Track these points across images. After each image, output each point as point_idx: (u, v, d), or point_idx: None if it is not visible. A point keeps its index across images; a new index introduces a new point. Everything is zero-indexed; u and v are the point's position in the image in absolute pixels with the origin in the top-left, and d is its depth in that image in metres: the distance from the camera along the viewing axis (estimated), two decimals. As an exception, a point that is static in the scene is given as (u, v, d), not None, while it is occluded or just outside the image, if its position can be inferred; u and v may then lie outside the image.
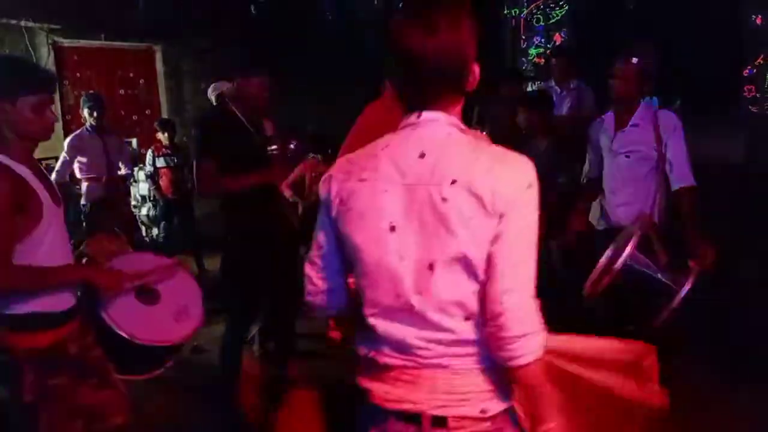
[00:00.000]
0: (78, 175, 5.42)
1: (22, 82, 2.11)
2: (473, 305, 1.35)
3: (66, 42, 7.19)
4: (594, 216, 3.55)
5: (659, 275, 2.74)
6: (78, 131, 5.52)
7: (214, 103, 5.14)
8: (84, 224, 4.55)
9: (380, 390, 1.44)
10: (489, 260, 1.32)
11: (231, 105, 3.36)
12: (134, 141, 7.41)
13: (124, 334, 2.32)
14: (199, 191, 3.47)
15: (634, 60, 3.18)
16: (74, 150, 5.34)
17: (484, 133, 1.69)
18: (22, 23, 6.67)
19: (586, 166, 3.61)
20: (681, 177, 3.14)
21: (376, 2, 8.04)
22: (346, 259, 1.48)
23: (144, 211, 6.48)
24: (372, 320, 1.42)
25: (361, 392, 1.48)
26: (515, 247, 1.32)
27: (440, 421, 1.37)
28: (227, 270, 3.47)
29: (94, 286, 2.23)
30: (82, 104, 5.48)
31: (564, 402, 1.47)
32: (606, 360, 1.69)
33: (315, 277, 1.53)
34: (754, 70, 6.86)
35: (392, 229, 1.35)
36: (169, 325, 2.50)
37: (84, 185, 5.41)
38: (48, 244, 2.14)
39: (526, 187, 1.32)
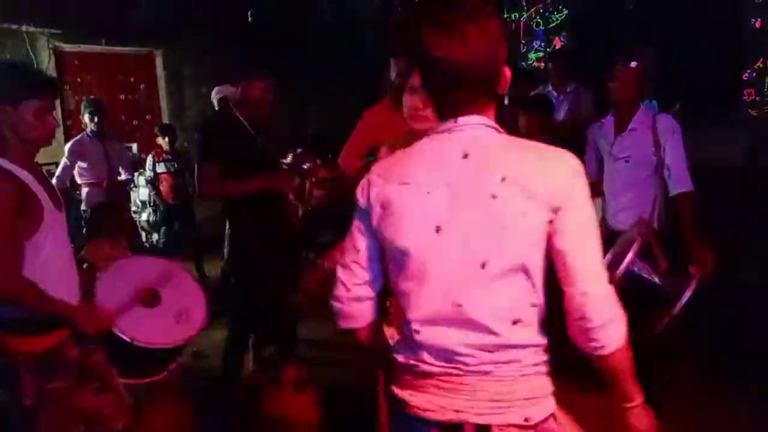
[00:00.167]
0: (78, 180, 5.44)
1: (23, 87, 2.12)
2: (523, 307, 1.35)
3: (67, 47, 7.20)
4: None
5: (660, 281, 2.73)
6: (79, 136, 5.54)
7: (217, 107, 5.14)
8: (84, 229, 4.56)
9: (420, 400, 1.40)
10: (559, 257, 1.33)
11: (234, 109, 3.37)
12: (135, 146, 7.41)
13: (125, 337, 2.32)
14: (200, 194, 3.48)
15: (634, 63, 3.17)
16: (75, 155, 5.36)
17: None
18: (23, 28, 6.69)
19: (586, 170, 3.61)
20: (679, 182, 3.13)
21: (376, 2, 8.03)
22: (383, 268, 1.48)
23: (144, 216, 6.48)
24: (415, 326, 1.40)
25: (397, 402, 1.45)
26: (582, 239, 1.33)
27: (484, 429, 1.36)
28: (229, 273, 3.48)
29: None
30: (83, 109, 5.51)
31: None
32: None
33: (348, 283, 1.51)
34: (754, 74, 6.86)
35: (438, 230, 1.33)
36: (171, 327, 2.50)
37: (84, 190, 5.42)
38: (49, 249, 2.14)
39: (577, 178, 1.34)
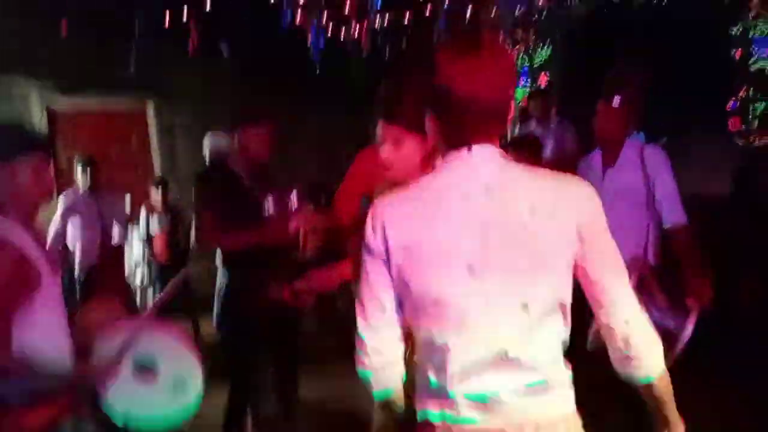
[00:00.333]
0: (71, 239, 5.35)
1: (17, 145, 2.10)
2: (558, 345, 1.36)
3: (58, 103, 7.24)
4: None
5: (659, 317, 2.70)
6: (71, 192, 5.49)
7: (207, 159, 5.12)
8: (78, 291, 4.48)
9: None
10: (594, 287, 1.35)
11: (229, 160, 3.34)
12: (127, 200, 7.38)
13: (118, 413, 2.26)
14: (199, 244, 3.39)
15: (617, 99, 3.17)
16: (67, 213, 5.30)
17: None
18: (15, 85, 6.74)
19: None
20: (673, 214, 3.13)
21: (366, 51, 8.15)
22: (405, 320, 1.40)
23: (138, 274, 6.40)
24: (453, 378, 1.33)
25: None
26: (613, 266, 1.36)
27: None
28: (227, 331, 3.40)
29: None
30: (75, 165, 5.48)
31: None
32: None
33: (381, 347, 1.41)
34: (738, 103, 6.97)
35: (473, 272, 1.29)
36: (169, 399, 2.44)
37: (78, 251, 5.33)
38: (42, 315, 2.09)
39: (596, 201, 1.37)
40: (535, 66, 8.51)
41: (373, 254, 1.38)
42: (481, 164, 1.35)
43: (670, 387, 1.43)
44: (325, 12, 7.29)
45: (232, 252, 3.30)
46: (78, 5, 6.49)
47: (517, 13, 8.52)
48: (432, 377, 1.37)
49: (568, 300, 1.35)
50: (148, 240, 6.15)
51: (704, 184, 4.30)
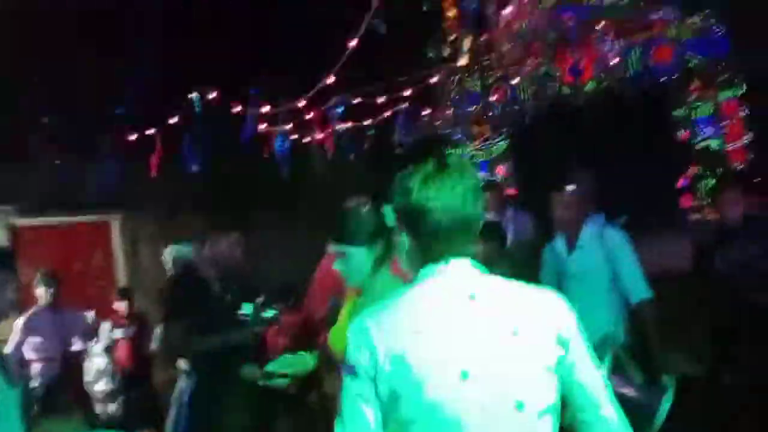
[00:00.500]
0: (31, 356, 5.19)
1: None
2: None
3: (21, 221, 7.20)
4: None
5: (636, 395, 2.67)
6: (31, 310, 5.37)
7: (169, 268, 5.07)
8: (35, 407, 4.31)
9: None
10: (579, 390, 1.39)
11: (199, 268, 3.36)
12: (91, 314, 7.21)
13: None
14: (167, 348, 3.36)
15: (570, 187, 3.26)
16: (27, 331, 5.18)
17: None
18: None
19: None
20: (637, 290, 3.16)
21: (329, 157, 8.36)
22: None
23: (100, 386, 6.16)
24: None
25: None
26: (594, 367, 1.43)
27: None
28: None
29: None
30: (37, 282, 5.39)
31: None
32: None
33: None
34: (689, 180, 7.25)
35: (465, 375, 1.30)
36: None
37: (36, 366, 5.16)
38: None
39: (572, 312, 1.43)
40: (493, 158, 8.79)
41: (358, 369, 1.36)
42: (462, 275, 1.40)
43: None
44: (289, 123, 7.51)
45: (199, 358, 3.23)
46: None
47: (472, 110, 8.89)
48: None
49: (558, 401, 1.38)
50: (110, 350, 5.99)
51: (665, 260, 4.39)
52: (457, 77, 8.88)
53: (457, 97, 9.00)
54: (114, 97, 6.56)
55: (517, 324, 1.34)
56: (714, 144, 7.21)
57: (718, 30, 7.54)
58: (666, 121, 7.79)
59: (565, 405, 1.41)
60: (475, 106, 9.06)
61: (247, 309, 3.31)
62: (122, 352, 6.01)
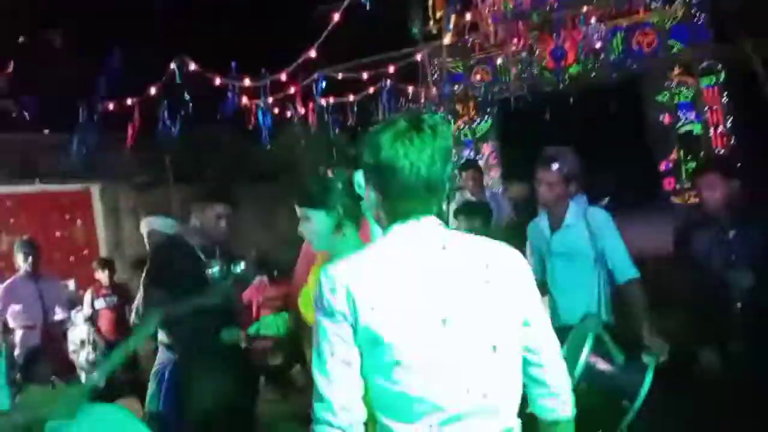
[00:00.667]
0: (11, 324, 5.17)
1: None
2: (519, 387, 1.46)
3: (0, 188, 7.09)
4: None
5: (617, 376, 2.71)
6: (11, 279, 5.34)
7: (146, 241, 5.00)
8: (18, 375, 4.29)
9: None
10: (536, 339, 1.49)
11: (187, 236, 3.33)
12: (72, 283, 7.16)
13: None
14: (146, 317, 3.31)
15: (555, 165, 3.26)
16: (7, 298, 5.14)
17: None
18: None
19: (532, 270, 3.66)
20: (624, 270, 3.18)
21: (311, 131, 8.33)
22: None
23: (83, 355, 6.14)
24: (432, 429, 1.34)
25: None
26: (546, 319, 1.54)
27: None
28: (170, 413, 3.26)
29: None
30: (16, 250, 5.34)
31: None
32: None
33: (350, 404, 1.37)
34: (671, 164, 7.38)
35: (444, 321, 1.36)
36: None
37: (18, 334, 5.14)
38: None
39: (528, 268, 1.53)
40: (477, 138, 8.84)
41: (334, 315, 1.37)
42: (432, 230, 1.45)
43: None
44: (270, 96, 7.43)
45: (180, 329, 3.21)
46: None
47: (457, 89, 8.90)
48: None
49: (521, 348, 1.48)
50: (93, 320, 5.96)
51: (646, 241, 4.46)
52: (442, 56, 8.89)
53: (440, 75, 9.01)
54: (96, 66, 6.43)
55: (487, 273, 1.41)
56: (696, 129, 7.33)
57: (700, 18, 7.61)
58: (648, 106, 7.89)
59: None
60: (458, 85, 9.06)
61: (214, 265, 3.30)
62: (105, 321, 5.98)
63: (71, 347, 6.20)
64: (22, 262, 5.28)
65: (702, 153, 6.90)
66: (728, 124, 7.05)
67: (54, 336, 5.33)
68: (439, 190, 1.46)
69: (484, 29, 7.86)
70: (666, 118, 7.57)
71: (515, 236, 3.66)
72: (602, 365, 2.73)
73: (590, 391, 2.58)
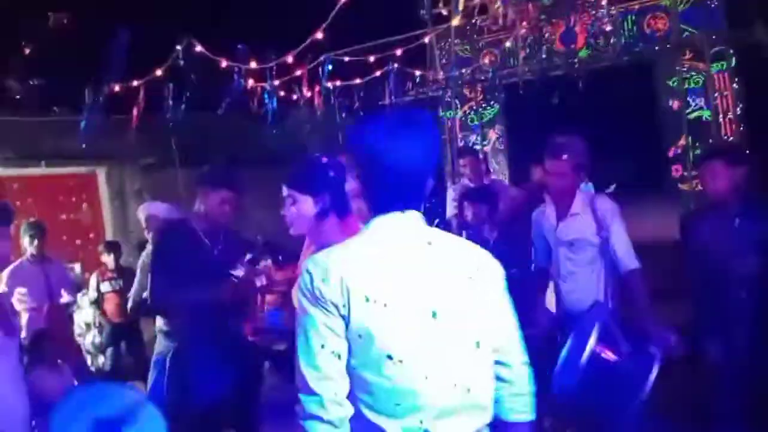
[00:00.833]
0: (17, 306, 5.19)
1: None
2: (494, 385, 1.49)
3: (6, 171, 7.09)
4: (549, 301, 3.58)
5: (624, 364, 2.71)
6: (17, 261, 5.33)
7: (144, 226, 4.99)
8: (25, 358, 4.32)
9: None
10: (505, 335, 1.52)
11: (192, 220, 3.31)
12: (78, 266, 7.20)
13: None
14: (152, 303, 3.31)
15: (565, 156, 3.25)
16: (13, 281, 5.14)
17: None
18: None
19: (537, 257, 3.66)
20: (626, 261, 3.19)
21: (318, 114, 8.29)
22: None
23: (89, 338, 6.20)
24: (425, 424, 1.35)
25: None
26: (517, 326, 1.56)
27: None
28: (172, 401, 3.26)
29: None
30: (22, 233, 5.34)
31: None
32: None
33: (340, 399, 1.35)
34: (679, 150, 7.31)
35: (434, 314, 1.38)
36: None
37: (24, 317, 5.17)
38: None
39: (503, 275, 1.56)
40: (485, 122, 8.78)
41: (326, 304, 1.35)
42: (416, 224, 1.46)
43: None
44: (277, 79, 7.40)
45: (184, 315, 3.20)
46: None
47: (464, 73, 8.82)
48: (393, 427, 1.34)
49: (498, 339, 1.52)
50: (99, 303, 5.99)
51: (653, 229, 4.43)
52: (450, 38, 8.80)
53: (448, 59, 8.93)
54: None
55: (470, 270, 1.45)
56: (705, 115, 7.25)
57: (713, 1, 7.50)
58: (658, 91, 7.81)
59: None
60: (465, 69, 8.98)
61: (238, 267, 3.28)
62: (110, 305, 6.00)
63: (77, 330, 6.26)
64: (28, 245, 5.28)
65: (710, 140, 6.82)
66: (738, 111, 6.98)
67: (59, 319, 5.34)
68: (425, 184, 1.48)
69: (493, 11, 7.78)
70: (675, 104, 7.48)
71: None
72: (608, 354, 2.74)
73: (596, 381, 2.60)
